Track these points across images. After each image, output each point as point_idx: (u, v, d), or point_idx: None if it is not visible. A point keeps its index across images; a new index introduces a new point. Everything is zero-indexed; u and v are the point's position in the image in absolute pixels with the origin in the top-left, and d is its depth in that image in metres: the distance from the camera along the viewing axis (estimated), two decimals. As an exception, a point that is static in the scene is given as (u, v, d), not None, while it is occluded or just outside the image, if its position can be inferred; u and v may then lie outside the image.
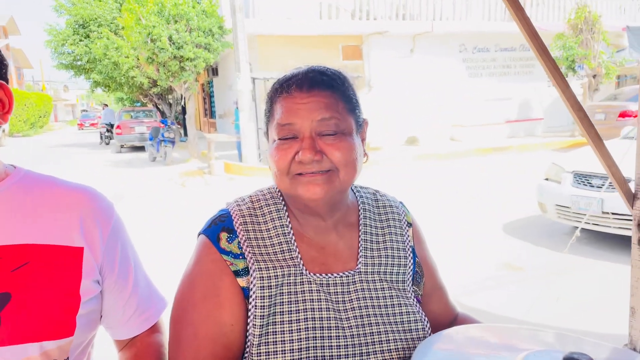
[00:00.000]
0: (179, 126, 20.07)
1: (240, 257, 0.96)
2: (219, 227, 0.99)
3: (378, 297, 0.99)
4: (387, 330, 0.96)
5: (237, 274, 0.95)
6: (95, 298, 0.95)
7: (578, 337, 0.99)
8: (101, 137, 22.51)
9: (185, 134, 19.81)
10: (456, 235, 5.65)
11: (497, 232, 5.87)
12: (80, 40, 20.79)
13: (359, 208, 1.08)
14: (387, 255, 1.04)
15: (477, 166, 11.11)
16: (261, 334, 0.91)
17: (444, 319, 1.14)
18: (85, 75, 22.65)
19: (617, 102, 12.19)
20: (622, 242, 4.93)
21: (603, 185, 4.79)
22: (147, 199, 8.88)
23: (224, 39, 13.42)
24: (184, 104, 15.79)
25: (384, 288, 1.00)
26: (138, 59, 13.27)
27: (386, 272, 1.02)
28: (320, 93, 0.94)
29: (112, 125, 20.99)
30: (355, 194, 1.10)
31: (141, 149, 17.77)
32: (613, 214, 4.71)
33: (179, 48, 12.44)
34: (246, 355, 0.93)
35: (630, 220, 4.90)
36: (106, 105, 27.43)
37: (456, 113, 15.42)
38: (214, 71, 20.78)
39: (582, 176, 5.14)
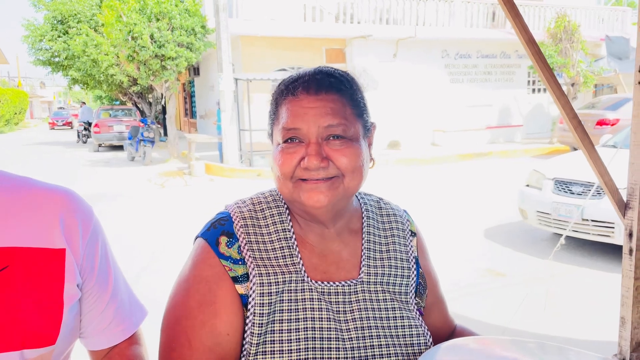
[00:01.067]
0: (158, 126, 19.83)
1: (240, 262, 0.91)
2: (219, 231, 0.94)
3: (380, 308, 0.96)
4: (387, 344, 0.93)
5: (235, 280, 0.90)
6: (77, 303, 0.91)
7: (565, 347, 0.98)
8: (78, 136, 22.12)
9: (165, 133, 19.58)
10: (438, 241, 5.66)
11: (479, 238, 5.90)
12: (59, 37, 20.39)
13: (363, 215, 1.04)
14: (391, 265, 1.01)
15: (458, 171, 11.20)
16: (259, 343, 0.87)
17: (443, 331, 1.12)
18: (63, 72, 22.23)
19: (594, 110, 12.44)
20: (601, 249, 5.00)
21: (584, 192, 4.85)
22: (125, 200, 8.71)
23: (207, 38, 13.29)
24: (165, 103, 15.61)
25: (386, 299, 0.97)
26: (118, 56, 13.06)
27: (389, 282, 0.99)
28: (328, 97, 0.90)
29: (89, 124, 20.63)
30: (359, 200, 1.06)
31: (119, 148, 17.50)
32: (593, 221, 4.77)
33: (160, 47, 12.27)
34: None
35: (609, 227, 4.99)
36: (84, 103, 26.93)
37: (437, 118, 15.55)
38: (196, 71, 20.59)
39: (562, 183, 5.20)
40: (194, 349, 0.87)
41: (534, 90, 17.39)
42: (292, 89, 0.91)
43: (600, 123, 11.55)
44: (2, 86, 41.50)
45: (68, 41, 18.78)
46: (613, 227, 4.62)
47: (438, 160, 12.80)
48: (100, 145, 18.28)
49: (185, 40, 12.49)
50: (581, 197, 4.85)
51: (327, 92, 0.90)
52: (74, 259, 0.90)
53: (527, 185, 5.67)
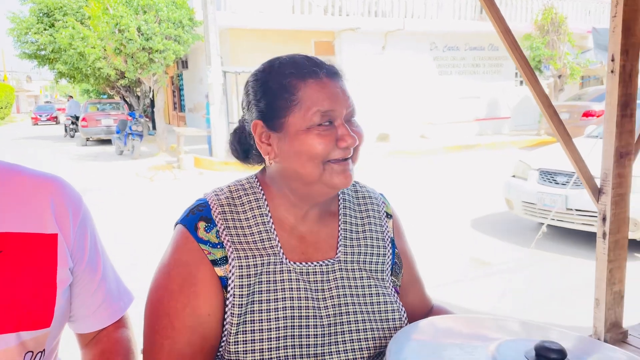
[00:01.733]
0: (147, 119, 19.67)
1: (219, 246, 0.94)
2: (197, 217, 0.97)
3: (357, 286, 0.99)
4: (364, 319, 0.97)
5: (215, 263, 0.93)
6: (69, 287, 0.94)
7: (545, 326, 1.02)
8: (66, 130, 21.90)
9: (154, 127, 19.44)
10: (425, 231, 5.73)
11: (466, 228, 5.97)
12: (45, 29, 20.13)
13: (339, 198, 1.08)
14: (367, 245, 1.04)
15: (446, 163, 11.28)
16: (239, 323, 0.90)
17: (420, 310, 1.16)
18: (50, 65, 21.96)
19: (581, 102, 12.57)
20: (585, 238, 5.09)
21: (568, 182, 4.93)
22: (113, 194, 8.68)
23: (195, 31, 13.20)
24: (153, 96, 15.49)
25: (362, 277, 1.01)
26: (105, 49, 12.94)
27: (365, 261, 1.03)
28: (339, 80, 0.97)
29: (77, 118, 20.43)
30: None
31: (108, 142, 17.38)
32: (577, 210, 4.86)
33: (147, 39, 12.18)
34: (223, 344, 0.92)
35: (594, 216, 5.10)
36: (71, 97, 26.65)
37: (426, 110, 15.62)
38: (184, 64, 20.46)
39: (547, 173, 5.27)
40: (177, 330, 0.90)
41: (521, 82, 17.51)
42: (313, 73, 0.94)
43: (587, 114, 11.69)
44: (-13, 80, 40.95)
45: (54, 34, 18.54)
46: (596, 216, 4.71)
47: (427, 152, 12.88)
48: (88, 140, 18.12)
49: (173, 32, 12.40)
50: (565, 187, 4.93)
51: (335, 75, 0.97)
52: (65, 243, 0.92)
53: (513, 176, 5.74)
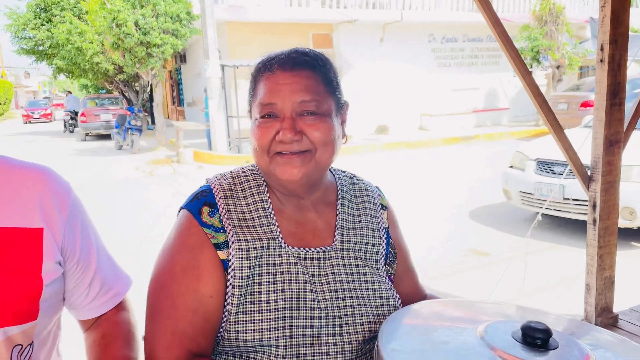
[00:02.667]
0: (146, 114, 19.70)
1: (221, 230, 0.98)
2: (201, 202, 1.00)
3: (352, 272, 1.03)
4: (360, 304, 1.00)
5: (217, 246, 0.96)
6: (58, 280, 0.93)
7: (537, 309, 1.05)
8: (65, 125, 21.89)
9: (153, 122, 19.44)
10: (424, 222, 5.76)
11: (464, 219, 6.01)
12: (42, 25, 20.06)
13: (337, 189, 1.11)
14: (363, 234, 1.08)
15: (445, 155, 11.30)
16: (239, 303, 0.94)
17: (414, 299, 1.18)
18: (48, 61, 21.89)
19: (579, 92, 12.56)
20: (582, 227, 5.12)
21: (564, 172, 4.96)
22: (113, 188, 8.71)
23: (192, 25, 13.17)
24: (151, 91, 15.48)
25: (358, 264, 1.04)
26: (103, 44, 12.91)
27: (360, 249, 1.06)
28: (302, 74, 0.96)
29: (76, 113, 20.41)
30: (334, 175, 1.14)
31: (107, 137, 17.38)
32: (573, 199, 4.89)
33: (145, 34, 12.15)
34: (223, 324, 0.95)
35: (589, 205, 4.96)
36: (70, 92, 26.61)
37: (425, 102, 15.61)
38: (182, 58, 20.42)
39: (544, 163, 5.30)
40: (180, 312, 0.93)
41: (520, 73, 17.48)
42: (269, 66, 0.98)
43: (585, 105, 11.69)
44: (-15, 76, 40.85)
45: (52, 29, 18.49)
46: (593, 206, 4.74)
47: (425, 144, 12.89)
48: (87, 135, 18.11)
49: (171, 27, 12.37)
50: (562, 177, 4.96)
51: (301, 69, 0.97)
52: (52, 237, 0.91)
53: (511, 167, 5.77)
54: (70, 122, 21.42)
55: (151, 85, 14.31)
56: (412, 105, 15.42)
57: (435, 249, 4.86)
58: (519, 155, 5.73)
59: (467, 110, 16.20)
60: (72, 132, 21.29)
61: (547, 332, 0.83)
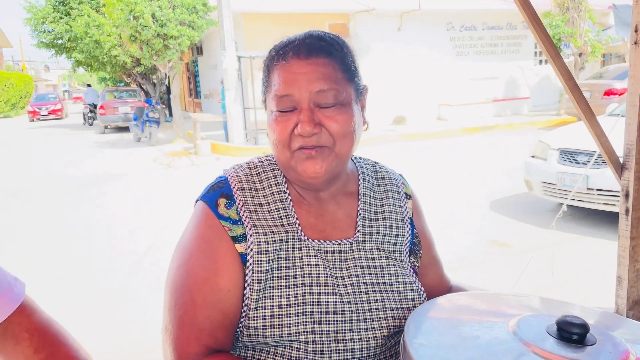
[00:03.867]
0: (163, 106, 19.82)
1: (239, 223, 0.95)
2: (218, 193, 0.97)
3: (375, 265, 0.99)
4: (383, 299, 0.96)
5: (235, 239, 0.93)
6: None
7: (566, 302, 1.00)
8: (84, 118, 22.16)
9: (170, 114, 19.56)
10: (443, 213, 5.69)
11: (484, 210, 5.92)
12: (61, 18, 20.26)
13: (359, 178, 1.07)
14: (385, 225, 1.04)
15: (464, 145, 11.16)
16: (258, 298, 0.91)
17: (439, 291, 1.15)
18: (67, 54, 22.13)
19: (602, 80, 12.29)
20: (606, 218, 5.01)
21: (589, 162, 4.84)
22: (132, 180, 8.79)
23: (209, 16, 13.17)
24: (169, 83, 15.56)
25: (380, 257, 1.00)
26: (120, 37, 13.00)
27: (384, 241, 1.02)
28: (318, 61, 0.91)
29: (95, 106, 20.64)
30: (355, 163, 1.09)
31: (125, 129, 17.55)
32: (598, 190, 4.77)
33: (162, 26, 12.19)
34: (242, 319, 0.92)
35: (614, 195, 5.00)
36: (89, 85, 26.96)
37: (443, 92, 15.43)
38: (199, 50, 20.47)
39: (567, 153, 5.18)
40: (198, 306, 0.90)
41: (541, 61, 17.16)
42: (283, 54, 0.93)
43: (608, 93, 11.43)
44: (6, 70, 41.51)
45: (70, 22, 18.67)
46: (618, 196, 4.62)
47: (444, 134, 12.75)
48: (106, 127, 18.32)
49: (187, 18, 12.39)
50: (586, 167, 4.85)
51: (317, 55, 0.91)
52: None
53: (533, 156, 5.65)
54: (89, 114, 21.68)
55: (168, 77, 14.38)
56: (430, 96, 15.25)
57: (455, 240, 4.79)
58: (541, 145, 5.62)
59: (487, 100, 15.97)
60: (91, 124, 21.55)
61: (584, 327, 0.78)
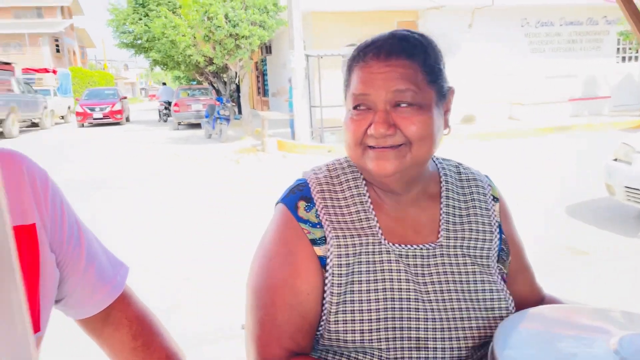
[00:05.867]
0: (233, 104, 20.39)
1: (318, 225, 0.95)
2: (297, 196, 0.99)
3: (460, 272, 0.96)
4: (468, 307, 0.93)
5: (314, 242, 0.94)
6: (53, 281, 0.84)
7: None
8: (160, 115, 23.21)
9: (240, 111, 20.11)
10: (516, 218, 5.46)
11: (561, 215, 5.64)
12: (140, 19, 21.36)
13: (441, 180, 1.04)
14: (471, 229, 1.00)
15: (537, 146, 10.68)
16: (339, 302, 0.91)
17: (530, 300, 1.09)
18: (145, 54, 23.29)
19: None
20: (699, 228, 4.63)
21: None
22: (203, 175, 9.12)
23: (279, 16, 13.41)
24: (239, 82, 15.98)
25: (466, 263, 0.97)
26: (195, 37, 13.50)
27: (469, 247, 0.99)
28: (398, 62, 0.90)
29: (169, 103, 21.58)
30: (437, 165, 1.07)
31: (197, 126, 18.20)
32: (690, 197, 4.42)
33: (234, 26, 12.55)
34: (322, 323, 0.93)
35: None
36: (164, 83, 28.19)
37: (515, 90, 14.83)
38: (268, 49, 20.87)
39: (656, 157, 4.83)
40: (278, 307, 0.92)
41: (624, 58, 16.10)
42: (363, 54, 0.93)
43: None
44: (89, 69, 44.31)
45: (148, 23, 19.63)
46: None
47: (516, 134, 12.25)
48: (179, 124, 19.09)
49: (258, 18, 12.68)
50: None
51: (397, 57, 0.90)
52: (44, 232, 0.81)
53: (615, 160, 5.31)
54: (164, 111, 22.68)
55: (238, 76, 14.78)
56: (502, 94, 14.70)
57: (529, 246, 4.58)
58: (625, 147, 5.27)
59: (563, 99, 15.18)
60: (165, 121, 22.54)
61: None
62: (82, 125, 20.65)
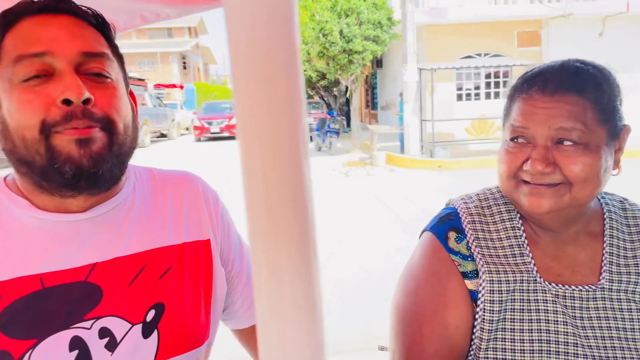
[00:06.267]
0: (343, 118, 20.73)
1: (469, 258, 0.92)
2: (447, 226, 0.95)
3: (624, 318, 0.87)
4: (632, 357, 0.84)
5: (465, 275, 0.91)
6: (222, 293, 0.90)
7: None
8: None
9: (349, 125, 20.38)
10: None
11: None
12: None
13: (605, 217, 0.95)
14: (638, 272, 0.91)
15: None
16: (489, 339, 0.87)
17: None
18: (262, 69, 24.47)
19: None
20: None
21: None
22: (317, 186, 9.34)
23: (392, 30, 13.44)
24: (349, 96, 16.23)
25: (631, 309, 0.88)
26: (309, 53, 13.95)
27: (635, 291, 0.89)
28: (565, 99, 0.83)
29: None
30: (599, 200, 0.98)
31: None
32: None
33: (348, 41, 12.79)
34: (470, 358, 0.90)
35: None
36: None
37: (653, 105, 13.40)
38: (379, 63, 20.97)
39: None
40: (425, 337, 0.89)
41: None
42: (528, 87, 0.87)
43: None
44: (211, 84, 47.69)
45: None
46: None
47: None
48: (292, 136, 19.71)
49: (372, 33, 12.81)
50: None
51: (565, 93, 0.83)
52: (217, 246, 0.88)
53: None
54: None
55: (349, 90, 15.00)
56: (635, 109, 13.36)
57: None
58: None
59: None
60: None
61: None
62: (199, 140, 20.13)
